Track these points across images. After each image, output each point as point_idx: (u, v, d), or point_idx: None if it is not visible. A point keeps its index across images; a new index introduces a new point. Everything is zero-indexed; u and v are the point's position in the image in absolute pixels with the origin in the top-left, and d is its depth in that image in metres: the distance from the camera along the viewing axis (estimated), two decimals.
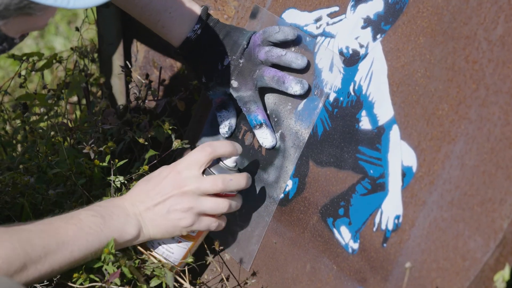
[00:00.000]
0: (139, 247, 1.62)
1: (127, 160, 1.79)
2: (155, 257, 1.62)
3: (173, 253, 1.62)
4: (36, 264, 1.43)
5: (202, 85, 1.72)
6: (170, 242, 1.62)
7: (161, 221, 1.57)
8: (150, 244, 1.63)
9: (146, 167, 1.75)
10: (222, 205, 1.58)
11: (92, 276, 1.53)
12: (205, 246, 1.63)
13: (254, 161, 1.70)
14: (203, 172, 1.58)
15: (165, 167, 1.60)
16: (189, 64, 1.74)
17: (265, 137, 1.66)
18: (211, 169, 1.59)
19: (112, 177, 1.71)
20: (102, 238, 1.51)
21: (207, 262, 1.64)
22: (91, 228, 1.50)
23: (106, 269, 1.53)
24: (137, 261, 1.59)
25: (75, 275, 1.52)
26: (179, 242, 1.62)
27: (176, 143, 1.72)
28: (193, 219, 1.57)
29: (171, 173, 1.58)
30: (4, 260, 1.39)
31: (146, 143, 1.80)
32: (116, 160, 1.75)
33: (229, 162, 1.61)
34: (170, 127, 1.80)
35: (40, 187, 1.79)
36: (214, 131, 1.80)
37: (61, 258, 1.46)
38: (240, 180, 1.59)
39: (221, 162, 1.60)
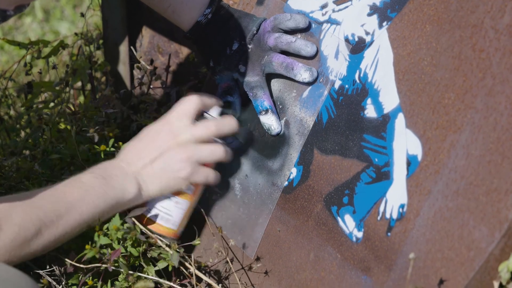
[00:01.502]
0: (144, 229, 1.62)
1: None
2: (155, 231, 1.62)
3: (172, 215, 1.62)
4: (50, 228, 1.45)
5: (210, 69, 1.72)
6: (168, 204, 1.62)
7: (161, 175, 1.57)
8: (147, 211, 1.62)
9: None
10: (218, 150, 1.60)
11: (103, 250, 1.54)
12: (211, 230, 1.63)
13: (258, 149, 1.69)
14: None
15: (154, 123, 1.61)
16: (198, 48, 1.74)
17: (270, 123, 1.66)
18: (198, 121, 1.61)
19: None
20: (107, 199, 1.52)
21: (214, 247, 1.64)
22: (95, 189, 1.51)
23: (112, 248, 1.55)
24: (143, 245, 1.59)
25: (87, 246, 1.53)
26: (177, 202, 1.62)
27: None
28: (192, 169, 1.58)
29: (163, 126, 1.60)
30: (21, 227, 1.41)
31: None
32: (120, 143, 1.75)
33: (214, 113, 1.63)
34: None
35: (45, 172, 1.79)
36: None
37: (72, 220, 1.48)
38: (231, 123, 1.61)
39: (205, 113, 1.62)
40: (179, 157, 1.57)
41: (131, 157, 1.58)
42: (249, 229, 1.67)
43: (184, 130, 1.58)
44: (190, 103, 1.60)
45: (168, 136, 1.58)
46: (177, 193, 1.61)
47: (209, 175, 1.60)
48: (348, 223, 1.49)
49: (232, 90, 1.72)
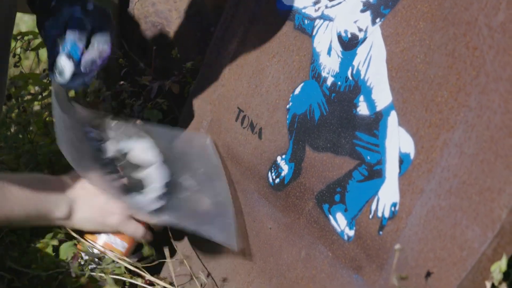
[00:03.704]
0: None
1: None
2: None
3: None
4: None
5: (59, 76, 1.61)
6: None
7: (94, 211, 1.65)
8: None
9: None
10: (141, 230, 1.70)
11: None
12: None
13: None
14: None
15: None
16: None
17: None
18: None
19: None
20: (39, 207, 1.59)
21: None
22: (32, 195, 1.58)
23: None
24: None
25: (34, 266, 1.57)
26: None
27: None
28: (121, 220, 1.66)
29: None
30: None
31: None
32: None
33: None
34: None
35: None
36: None
37: (1, 212, 1.54)
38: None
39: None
40: (117, 205, 1.65)
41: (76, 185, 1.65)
42: (219, 222, 1.66)
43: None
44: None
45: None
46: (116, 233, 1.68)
47: (139, 229, 1.68)
48: (340, 221, 1.48)
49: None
